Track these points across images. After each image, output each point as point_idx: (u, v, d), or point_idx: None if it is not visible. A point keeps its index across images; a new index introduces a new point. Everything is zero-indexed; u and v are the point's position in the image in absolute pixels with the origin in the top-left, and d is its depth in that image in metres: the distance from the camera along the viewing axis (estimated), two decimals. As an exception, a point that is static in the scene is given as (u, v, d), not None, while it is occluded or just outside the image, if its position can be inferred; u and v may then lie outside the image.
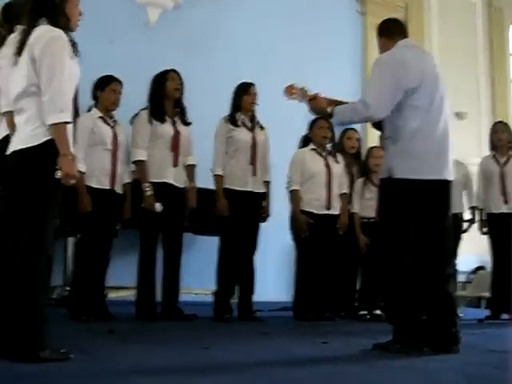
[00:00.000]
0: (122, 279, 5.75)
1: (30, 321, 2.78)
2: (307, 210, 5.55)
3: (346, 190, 5.80)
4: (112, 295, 5.89)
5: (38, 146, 2.85)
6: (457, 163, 5.72)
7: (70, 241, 5.84)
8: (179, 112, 5.18)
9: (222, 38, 7.67)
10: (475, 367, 3.22)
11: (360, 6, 9.26)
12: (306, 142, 5.79)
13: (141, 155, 4.99)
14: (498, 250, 6.19)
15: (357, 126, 6.14)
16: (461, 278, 8.35)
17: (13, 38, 3.05)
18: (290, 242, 5.71)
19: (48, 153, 2.83)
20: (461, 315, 5.22)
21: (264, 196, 5.42)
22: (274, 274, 7.26)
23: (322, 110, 3.95)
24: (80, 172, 4.30)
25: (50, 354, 2.80)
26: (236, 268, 5.27)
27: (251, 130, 5.35)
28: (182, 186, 5.12)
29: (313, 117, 5.19)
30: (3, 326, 2.84)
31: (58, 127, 2.82)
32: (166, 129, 5.06)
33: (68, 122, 2.86)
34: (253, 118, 5.42)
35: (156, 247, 5.03)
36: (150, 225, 4.98)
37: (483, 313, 6.43)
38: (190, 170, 5.23)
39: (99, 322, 4.57)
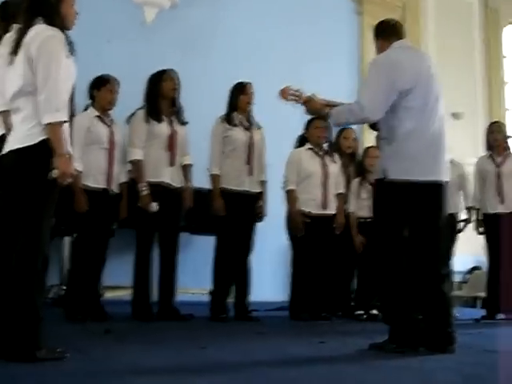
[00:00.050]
0: (118, 279, 5.75)
1: (26, 320, 2.78)
2: (303, 210, 5.55)
3: (342, 190, 5.80)
4: (108, 295, 5.89)
5: (34, 145, 2.85)
6: (453, 163, 5.74)
7: (66, 240, 5.84)
8: (176, 111, 5.18)
9: (219, 38, 7.67)
10: (471, 367, 3.22)
11: (357, 6, 9.26)
12: (302, 141, 5.79)
13: (137, 155, 4.99)
14: (493, 250, 6.20)
15: (353, 126, 6.14)
16: (457, 277, 8.37)
17: (9, 38, 3.04)
18: (286, 242, 5.71)
19: (44, 152, 2.83)
20: (457, 315, 5.23)
21: (260, 196, 5.42)
22: (270, 273, 7.26)
23: (317, 112, 3.96)
24: (76, 171, 4.30)
25: (46, 354, 2.80)
26: (232, 268, 5.27)
27: (248, 129, 5.35)
28: (179, 185, 5.12)
29: (309, 117, 5.19)
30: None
31: (54, 126, 2.82)
32: (163, 128, 5.05)
33: (64, 122, 2.86)
34: (249, 118, 5.42)
35: (152, 247, 5.03)
36: (146, 224, 4.98)
37: (479, 313, 6.43)
38: (187, 169, 5.22)
39: (95, 322, 4.56)
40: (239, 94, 5.35)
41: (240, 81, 5.40)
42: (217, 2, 7.74)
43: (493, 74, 10.82)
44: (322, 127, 5.58)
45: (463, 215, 6.42)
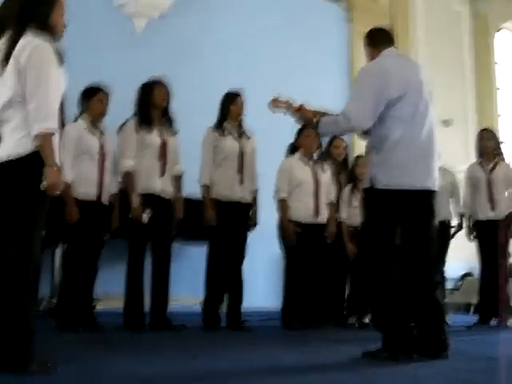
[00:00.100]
0: (110, 289, 5.72)
1: (17, 332, 2.76)
2: (295, 218, 5.55)
3: (333, 199, 5.81)
4: (100, 305, 5.85)
5: (23, 156, 2.83)
6: (444, 170, 5.76)
7: (58, 251, 5.81)
8: (167, 121, 5.18)
9: (209, 47, 7.69)
10: (464, 373, 3.22)
11: (347, 14, 9.30)
12: (293, 150, 5.79)
13: (128, 165, 4.98)
14: (485, 256, 6.23)
15: (344, 135, 6.14)
16: (449, 284, 8.38)
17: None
18: (278, 251, 5.71)
19: (33, 163, 2.81)
20: (449, 322, 5.24)
21: (252, 205, 5.41)
22: (262, 282, 7.25)
23: (308, 120, 3.97)
24: (67, 182, 4.29)
25: (38, 365, 2.77)
26: (224, 277, 5.26)
27: (238, 138, 5.35)
28: (170, 195, 5.11)
29: (300, 125, 5.20)
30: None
31: (44, 137, 2.81)
32: (154, 138, 5.04)
33: (54, 132, 2.85)
34: (240, 127, 5.42)
35: (144, 257, 5.01)
36: (137, 235, 4.96)
37: (471, 319, 6.44)
38: (177, 179, 5.22)
39: (87, 333, 4.54)
40: (230, 104, 5.35)
41: (231, 90, 5.41)
42: (206, 12, 7.76)
43: (483, 80, 10.89)
44: (312, 136, 5.58)
45: (454, 222, 6.44)
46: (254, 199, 5.44)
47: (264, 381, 2.92)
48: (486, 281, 6.21)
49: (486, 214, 6.23)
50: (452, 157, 7.50)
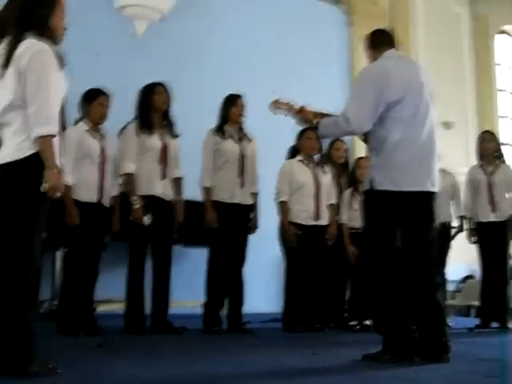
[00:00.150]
0: (111, 292, 5.72)
1: (17, 335, 2.76)
2: (296, 221, 5.55)
3: (334, 201, 5.80)
4: (101, 308, 5.85)
5: (24, 159, 2.83)
6: (444, 172, 5.76)
7: (58, 254, 5.81)
8: (167, 124, 5.18)
9: (210, 50, 7.69)
10: (466, 376, 3.22)
11: (347, 18, 9.30)
12: (293, 152, 5.80)
13: (129, 168, 4.98)
14: (486, 259, 6.22)
15: (345, 137, 6.14)
16: (450, 287, 8.37)
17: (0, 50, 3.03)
18: (279, 254, 5.71)
19: (34, 166, 2.81)
20: (450, 324, 5.23)
21: (252, 207, 5.41)
22: (263, 285, 7.24)
23: (309, 121, 3.97)
24: (67, 185, 4.29)
25: (38, 369, 2.77)
26: (225, 280, 5.25)
27: (239, 141, 5.35)
28: (170, 198, 5.11)
29: (301, 128, 5.20)
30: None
31: (44, 140, 2.81)
32: (155, 141, 5.04)
33: (54, 135, 2.85)
34: (241, 130, 5.42)
35: (145, 260, 5.01)
36: (138, 237, 4.96)
37: (473, 322, 6.43)
38: (178, 182, 5.21)
39: (88, 336, 4.53)
40: (230, 107, 5.35)
41: (231, 93, 5.41)
42: (207, 15, 7.75)
43: (483, 82, 10.89)
44: (313, 138, 5.59)
45: (455, 224, 6.43)
46: (255, 202, 5.44)
47: (264, 383, 2.92)
48: (488, 283, 6.20)
49: (486, 216, 6.22)
50: (452, 159, 7.48)
